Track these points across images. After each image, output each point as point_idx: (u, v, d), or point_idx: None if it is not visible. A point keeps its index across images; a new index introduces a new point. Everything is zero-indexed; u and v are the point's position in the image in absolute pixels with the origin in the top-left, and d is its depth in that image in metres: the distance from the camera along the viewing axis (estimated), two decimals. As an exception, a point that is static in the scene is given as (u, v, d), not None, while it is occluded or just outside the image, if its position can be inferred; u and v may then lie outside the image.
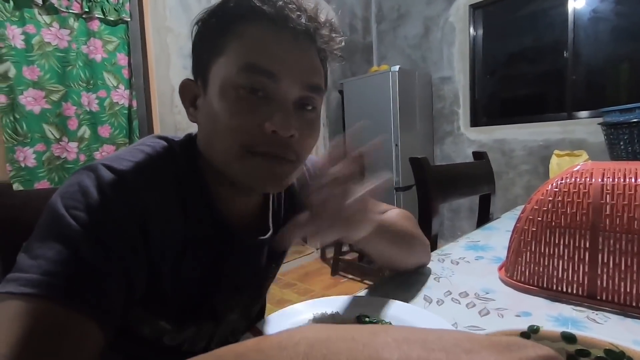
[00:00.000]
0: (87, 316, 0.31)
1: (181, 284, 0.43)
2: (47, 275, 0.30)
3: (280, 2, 0.38)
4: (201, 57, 0.43)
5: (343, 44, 0.43)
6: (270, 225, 0.52)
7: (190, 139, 0.47)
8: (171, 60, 2.24)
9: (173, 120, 2.27)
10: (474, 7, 3.02)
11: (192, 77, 0.45)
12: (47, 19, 1.81)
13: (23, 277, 0.31)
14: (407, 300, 0.54)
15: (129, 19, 2.09)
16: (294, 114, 0.40)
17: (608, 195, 0.51)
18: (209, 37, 0.42)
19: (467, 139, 3.12)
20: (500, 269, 0.65)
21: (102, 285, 0.33)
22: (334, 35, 0.42)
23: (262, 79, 0.38)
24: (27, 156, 1.78)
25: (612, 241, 0.50)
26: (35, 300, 0.29)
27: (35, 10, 1.77)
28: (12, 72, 1.71)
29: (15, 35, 1.72)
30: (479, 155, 1.37)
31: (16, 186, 1.76)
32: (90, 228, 0.33)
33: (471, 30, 3.06)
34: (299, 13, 0.39)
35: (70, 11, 1.87)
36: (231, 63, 0.39)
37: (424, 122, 3.19)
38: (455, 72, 3.13)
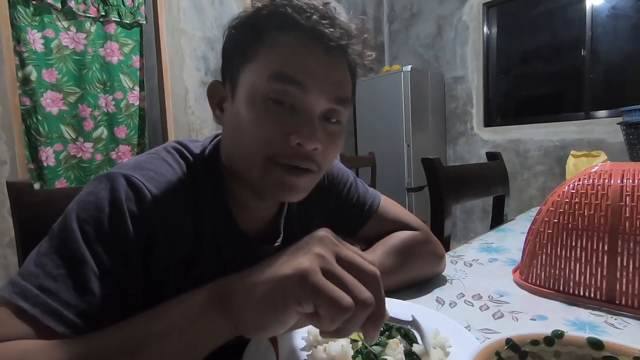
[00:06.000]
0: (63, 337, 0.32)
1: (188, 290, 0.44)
2: (39, 290, 0.32)
3: (315, 16, 0.38)
4: (231, 60, 0.43)
5: (374, 56, 0.43)
6: (282, 231, 0.53)
7: (215, 143, 0.48)
8: (185, 62, 2.27)
9: (187, 121, 2.30)
10: (487, 6, 2.98)
11: (210, 78, 0.45)
12: (65, 23, 1.87)
13: (19, 284, 0.33)
14: (419, 301, 0.53)
15: (144, 22, 2.13)
16: (319, 126, 0.40)
17: (628, 197, 0.50)
18: (240, 42, 0.42)
19: (480, 139, 3.08)
20: (514, 271, 0.64)
21: (89, 310, 0.34)
22: (366, 50, 0.42)
23: (290, 88, 0.38)
24: (49, 156, 1.85)
25: (631, 244, 0.48)
26: (20, 312, 0.31)
27: (54, 15, 1.82)
28: (34, 75, 1.77)
29: (35, 39, 1.77)
30: (492, 156, 1.35)
31: (39, 185, 1.82)
32: (94, 244, 0.35)
33: (485, 28, 3.01)
34: (332, 29, 0.38)
35: (88, 15, 1.92)
36: (261, 70, 0.39)
37: (437, 122, 3.16)
38: (469, 71, 3.09)
